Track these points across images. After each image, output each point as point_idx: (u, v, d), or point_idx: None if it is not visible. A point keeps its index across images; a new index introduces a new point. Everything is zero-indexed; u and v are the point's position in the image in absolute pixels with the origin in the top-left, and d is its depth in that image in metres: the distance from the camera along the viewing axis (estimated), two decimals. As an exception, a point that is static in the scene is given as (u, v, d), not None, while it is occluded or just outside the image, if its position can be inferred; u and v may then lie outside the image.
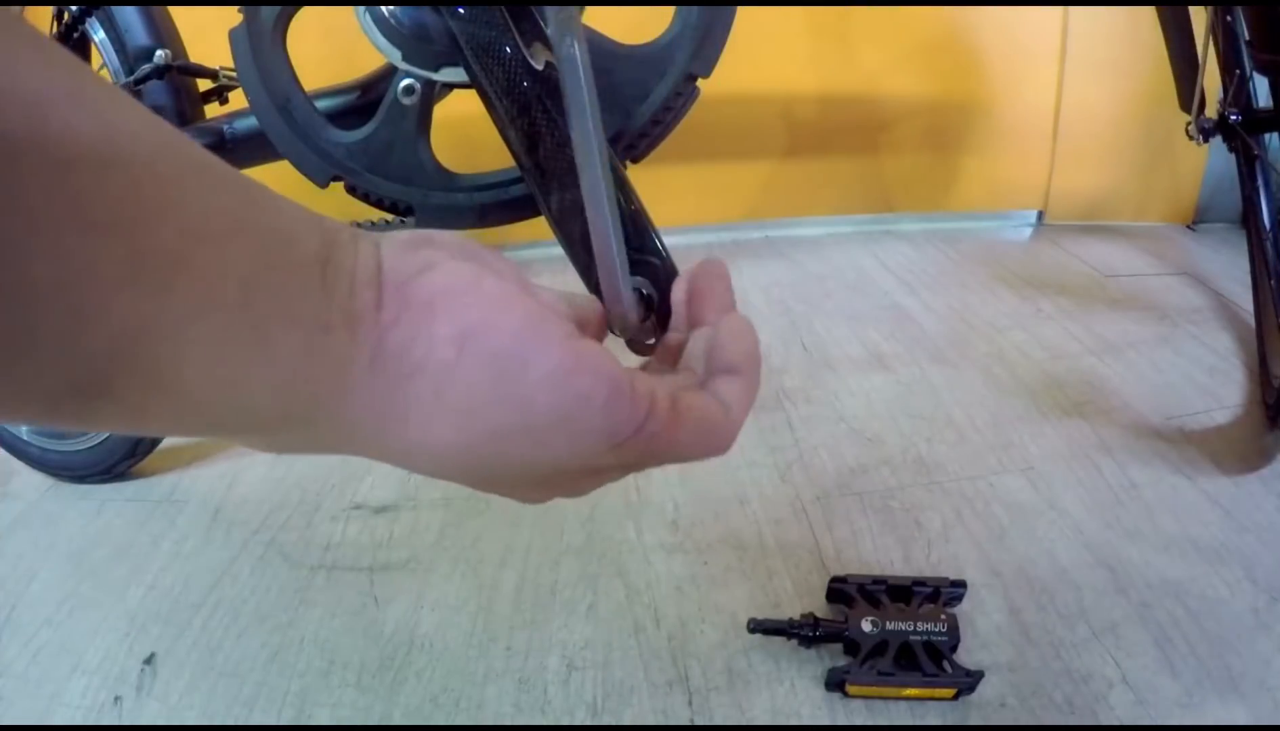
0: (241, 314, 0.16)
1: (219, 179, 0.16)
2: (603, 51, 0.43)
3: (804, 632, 0.58)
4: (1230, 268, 1.24)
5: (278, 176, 0.63)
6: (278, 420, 0.18)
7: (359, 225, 0.51)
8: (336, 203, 0.56)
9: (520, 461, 0.20)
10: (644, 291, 0.35)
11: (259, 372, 0.17)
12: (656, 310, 0.35)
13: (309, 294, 0.17)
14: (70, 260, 0.13)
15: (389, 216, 0.53)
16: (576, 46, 0.18)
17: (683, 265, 0.35)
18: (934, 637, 0.56)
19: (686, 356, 0.27)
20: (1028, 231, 1.50)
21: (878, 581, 0.62)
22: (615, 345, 0.28)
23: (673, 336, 0.28)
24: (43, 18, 0.85)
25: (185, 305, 0.15)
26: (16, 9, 0.14)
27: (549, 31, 0.21)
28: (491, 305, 0.19)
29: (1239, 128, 0.94)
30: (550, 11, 0.19)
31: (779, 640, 0.60)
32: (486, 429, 0.19)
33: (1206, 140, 0.99)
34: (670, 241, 0.35)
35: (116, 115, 0.15)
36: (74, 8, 0.74)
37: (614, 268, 0.22)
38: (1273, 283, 0.93)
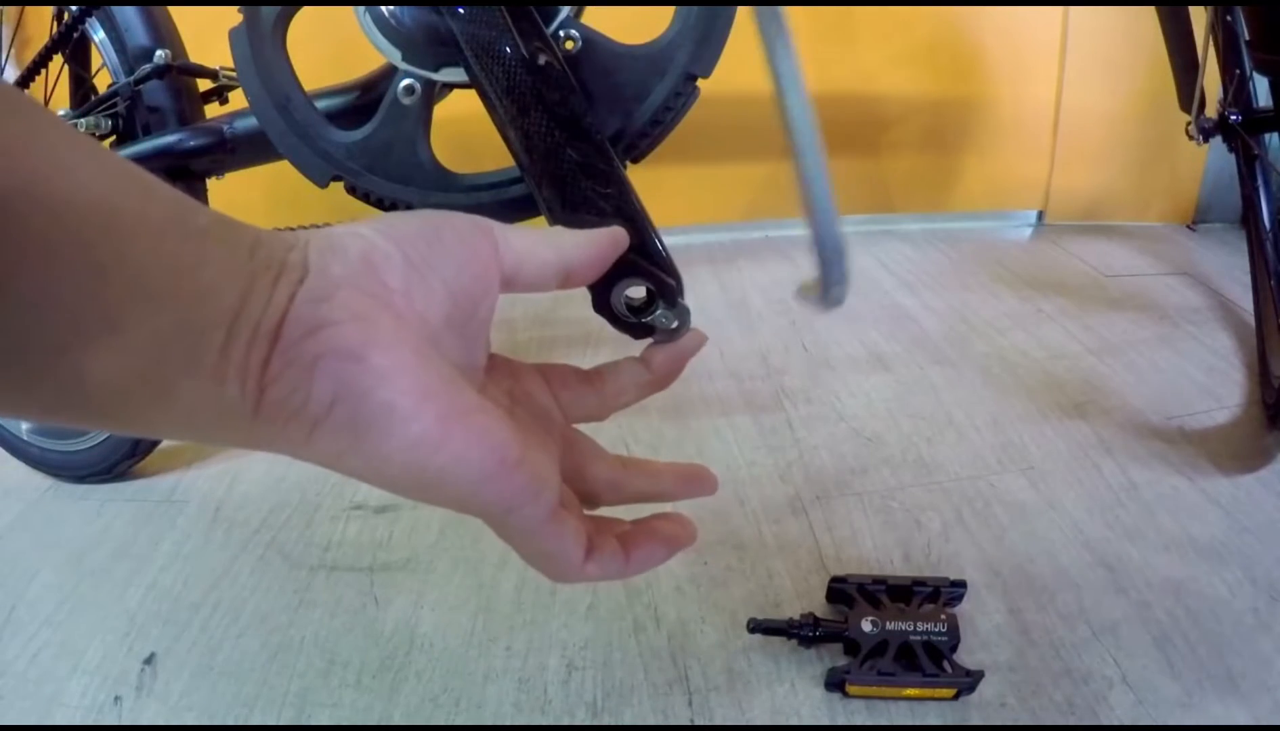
0: (153, 368, 0.18)
1: (162, 235, 0.18)
2: (603, 51, 0.43)
3: (804, 632, 0.58)
4: (1230, 268, 1.24)
5: (278, 176, 0.63)
6: (189, 438, 0.22)
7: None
8: (337, 202, 0.56)
9: (415, 496, 0.23)
10: (648, 288, 0.35)
11: (161, 414, 0.20)
12: (664, 298, 0.35)
13: (211, 351, 0.19)
14: (27, 320, 0.16)
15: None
16: (783, 39, 0.21)
17: (683, 265, 0.35)
18: (934, 637, 0.56)
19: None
20: (1028, 231, 1.50)
21: (878, 581, 0.61)
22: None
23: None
24: (43, 18, 0.85)
25: (110, 360, 0.18)
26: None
27: (759, 30, 0.24)
28: (369, 374, 0.20)
29: (1239, 128, 0.94)
30: (758, 11, 0.21)
31: (779, 640, 0.60)
32: (352, 471, 0.22)
33: (1206, 140, 0.99)
34: (670, 241, 0.35)
35: (86, 175, 0.17)
36: (74, 8, 0.74)
37: (834, 231, 0.24)
38: (1273, 283, 0.93)
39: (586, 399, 0.32)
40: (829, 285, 0.28)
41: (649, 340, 0.35)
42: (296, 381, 0.20)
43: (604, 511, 0.31)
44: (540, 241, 0.27)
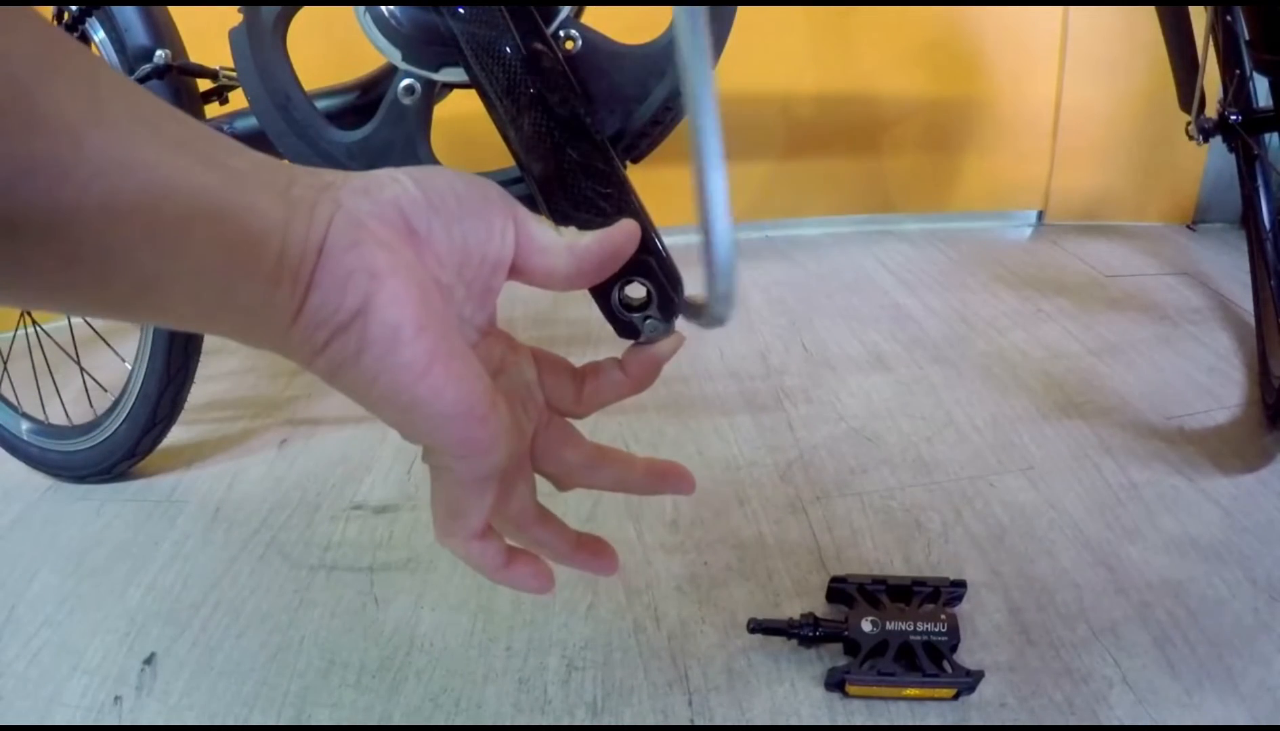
0: (220, 273, 0.21)
1: (212, 164, 0.21)
2: (602, 51, 0.43)
3: (804, 632, 0.58)
4: (1230, 268, 1.24)
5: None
6: (235, 337, 0.24)
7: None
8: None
9: (386, 418, 0.25)
10: (647, 289, 0.35)
11: (222, 311, 0.22)
12: (660, 306, 0.35)
13: (269, 258, 0.21)
14: (110, 252, 0.19)
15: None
16: (699, 40, 0.22)
17: (683, 266, 0.35)
18: (934, 637, 0.56)
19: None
20: (1028, 231, 1.50)
21: (878, 581, 0.61)
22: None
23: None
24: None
25: (183, 270, 0.20)
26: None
27: (675, 23, 0.24)
28: (385, 293, 0.23)
29: (1239, 128, 0.94)
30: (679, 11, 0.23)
31: (779, 640, 0.60)
32: (347, 385, 0.24)
33: (1206, 140, 0.99)
34: (670, 241, 0.34)
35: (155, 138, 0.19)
36: (74, 8, 0.74)
37: (725, 254, 0.25)
38: (1273, 283, 0.93)
39: (567, 391, 0.33)
40: (717, 299, 0.28)
41: (631, 341, 0.35)
42: (331, 290, 0.22)
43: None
44: (559, 248, 0.29)
